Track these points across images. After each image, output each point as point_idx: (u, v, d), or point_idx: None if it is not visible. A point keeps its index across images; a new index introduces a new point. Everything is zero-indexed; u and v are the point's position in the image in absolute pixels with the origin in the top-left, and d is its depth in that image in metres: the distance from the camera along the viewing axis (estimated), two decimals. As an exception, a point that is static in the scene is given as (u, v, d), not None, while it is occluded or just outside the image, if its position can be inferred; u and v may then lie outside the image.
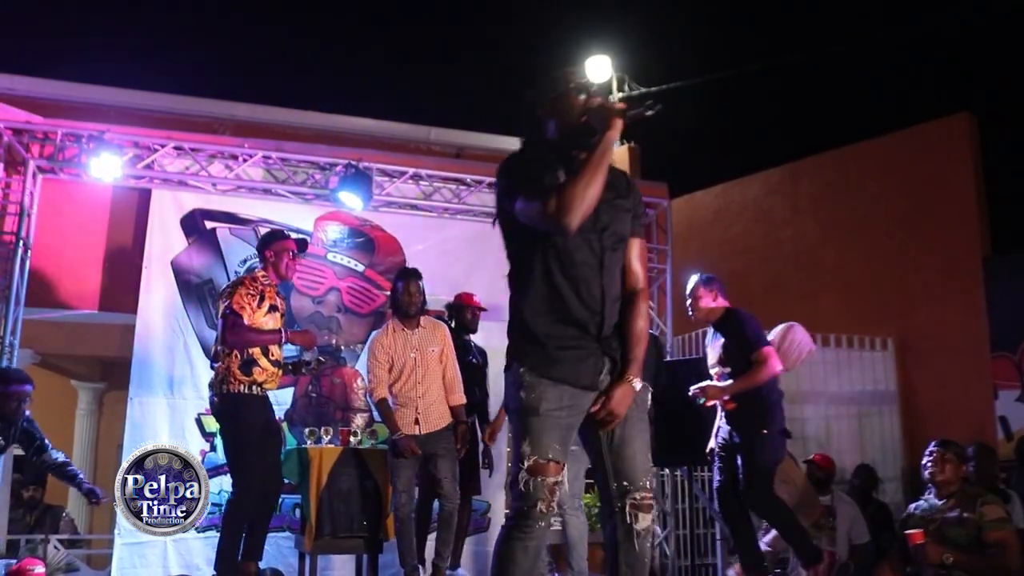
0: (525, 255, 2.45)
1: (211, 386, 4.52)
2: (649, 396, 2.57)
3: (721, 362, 4.59)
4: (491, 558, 2.49)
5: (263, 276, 4.58)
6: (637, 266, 2.56)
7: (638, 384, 2.46)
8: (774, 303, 8.02)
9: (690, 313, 4.78)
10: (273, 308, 4.55)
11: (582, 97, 2.47)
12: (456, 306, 5.41)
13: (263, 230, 6.08)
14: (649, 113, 2.39)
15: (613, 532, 2.44)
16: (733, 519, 4.70)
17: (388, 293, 6.31)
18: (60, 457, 4.81)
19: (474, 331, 5.46)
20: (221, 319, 4.42)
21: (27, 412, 4.69)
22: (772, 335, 4.85)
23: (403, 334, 4.82)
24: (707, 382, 4.58)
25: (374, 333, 5.02)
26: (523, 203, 2.36)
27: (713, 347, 4.69)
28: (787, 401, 6.71)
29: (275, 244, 4.67)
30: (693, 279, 4.77)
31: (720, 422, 4.69)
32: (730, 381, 4.49)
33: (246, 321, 4.38)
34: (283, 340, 4.51)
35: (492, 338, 4.92)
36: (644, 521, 2.42)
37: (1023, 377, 6.70)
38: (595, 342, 2.43)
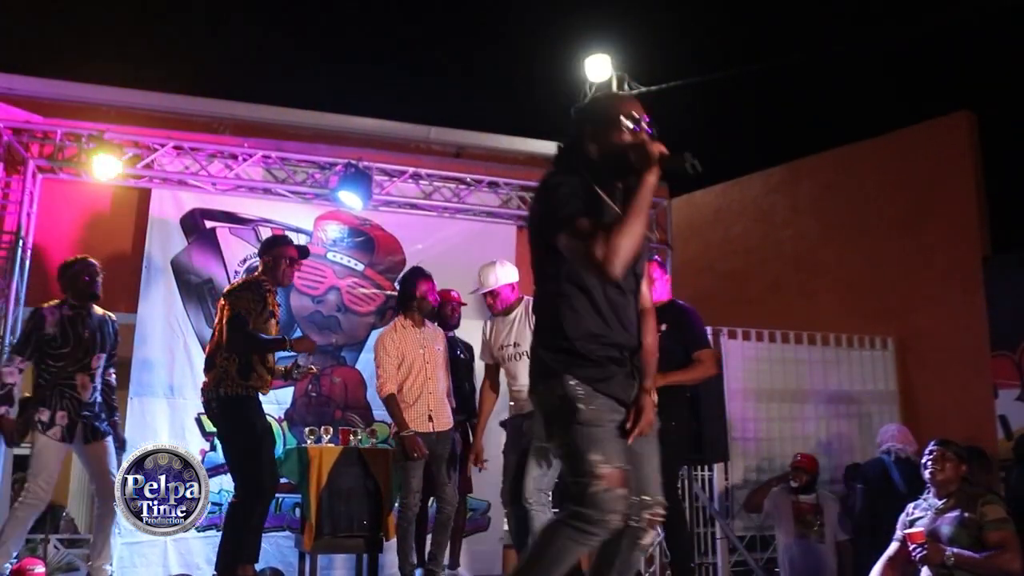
0: (567, 277, 2.51)
1: (205, 390, 4.52)
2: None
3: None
4: (533, 540, 2.53)
5: (264, 281, 4.59)
6: (646, 287, 2.71)
7: (655, 396, 2.60)
8: (774, 303, 8.04)
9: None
10: (271, 315, 4.60)
11: (629, 132, 2.50)
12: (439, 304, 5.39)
13: (263, 230, 6.10)
14: (689, 170, 2.42)
15: (616, 540, 2.48)
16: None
17: (388, 293, 6.33)
18: (113, 381, 4.88)
19: (456, 326, 5.45)
20: (227, 324, 4.42)
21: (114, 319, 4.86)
22: None
23: (412, 331, 4.85)
24: None
25: (381, 330, 5.04)
26: (568, 241, 2.41)
27: None
28: (787, 400, 6.78)
29: (274, 250, 4.69)
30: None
31: None
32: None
33: (249, 326, 4.41)
34: (286, 347, 4.52)
35: (477, 333, 4.92)
36: (649, 537, 2.55)
37: (1023, 377, 6.70)
38: (628, 362, 2.55)
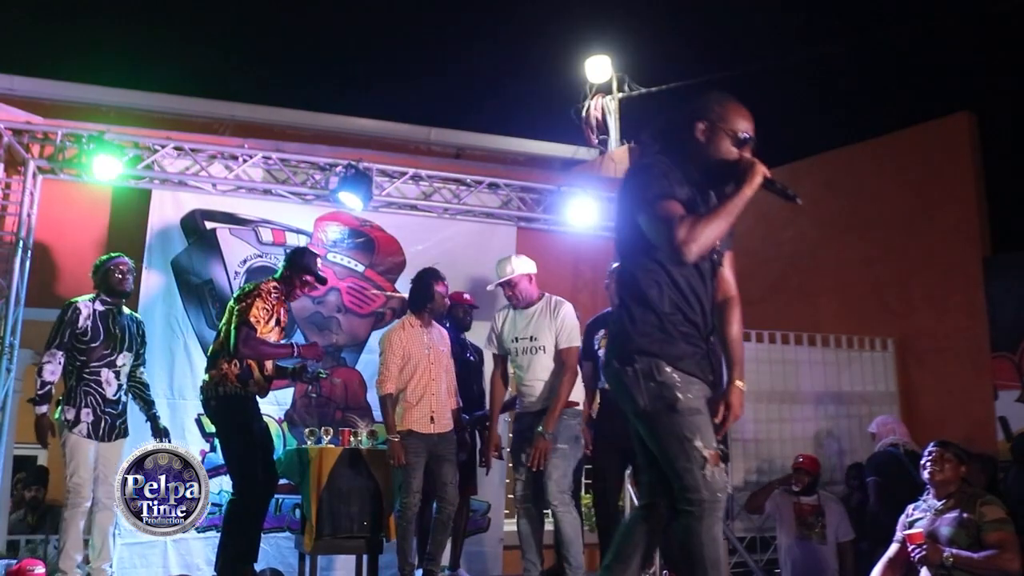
0: (651, 261, 2.59)
1: (204, 389, 4.57)
2: None
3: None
4: (683, 548, 2.57)
5: (276, 290, 4.64)
6: (730, 275, 2.79)
7: (744, 386, 2.67)
8: (774, 304, 8.03)
9: (611, 298, 4.77)
10: (277, 322, 4.65)
11: (738, 142, 2.60)
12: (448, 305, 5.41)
13: (263, 230, 6.10)
14: (789, 196, 2.59)
15: (668, 526, 2.63)
16: (606, 514, 4.79)
17: (388, 294, 6.33)
18: (145, 378, 4.94)
19: (468, 328, 5.48)
20: (235, 329, 4.46)
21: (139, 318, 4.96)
22: None
23: (419, 331, 4.85)
24: None
25: (386, 328, 5.04)
26: (650, 221, 2.51)
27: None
28: (787, 401, 6.78)
29: (298, 266, 4.73)
30: (614, 266, 4.87)
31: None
32: None
33: (258, 333, 4.47)
34: (295, 354, 4.58)
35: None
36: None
37: (1023, 377, 6.69)
38: (705, 343, 2.65)
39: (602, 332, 4.73)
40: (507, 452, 5.18)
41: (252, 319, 4.45)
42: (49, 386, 4.53)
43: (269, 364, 4.65)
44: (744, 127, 2.61)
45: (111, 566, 4.71)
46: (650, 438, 2.60)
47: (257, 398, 4.66)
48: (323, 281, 4.92)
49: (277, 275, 4.78)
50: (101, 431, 4.61)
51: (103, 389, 4.62)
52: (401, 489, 4.81)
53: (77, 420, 4.55)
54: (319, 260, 4.87)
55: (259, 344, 4.47)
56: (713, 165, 2.60)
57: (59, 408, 4.59)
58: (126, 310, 4.86)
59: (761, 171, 2.52)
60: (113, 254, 4.89)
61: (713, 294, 2.71)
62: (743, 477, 6.38)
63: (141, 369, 4.92)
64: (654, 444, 2.59)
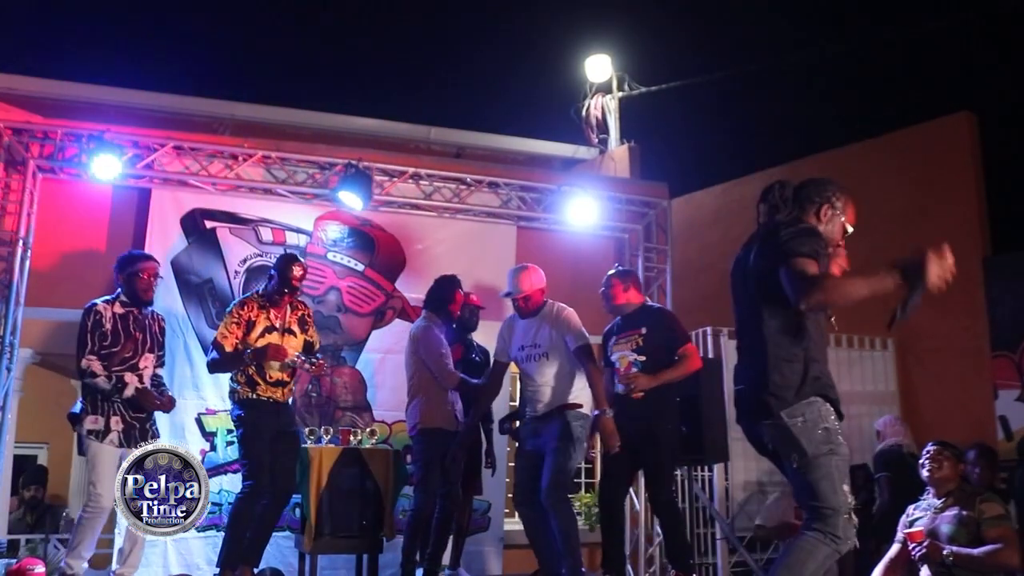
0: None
1: (229, 395, 4.75)
2: None
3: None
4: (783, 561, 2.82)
5: (241, 302, 4.72)
6: None
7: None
8: (774, 303, 8.01)
9: (618, 303, 4.78)
10: (270, 329, 4.69)
11: (850, 229, 3.00)
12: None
13: (263, 230, 6.10)
14: (898, 316, 2.67)
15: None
16: (613, 516, 4.75)
17: (389, 293, 6.34)
18: (162, 375, 4.91)
19: (474, 329, 5.49)
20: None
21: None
22: None
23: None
24: (635, 371, 4.50)
25: (415, 328, 5.08)
26: (795, 269, 2.70)
27: (623, 339, 4.68)
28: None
29: (280, 268, 4.76)
30: (610, 273, 4.90)
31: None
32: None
33: (227, 348, 4.60)
34: (250, 360, 4.58)
35: (493, 336, 4.96)
36: None
37: (1023, 377, 6.69)
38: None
39: (613, 339, 4.75)
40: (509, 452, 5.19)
41: (220, 338, 4.64)
42: (115, 376, 4.49)
43: (273, 371, 4.64)
44: (851, 223, 3.03)
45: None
46: (797, 471, 2.83)
47: (284, 403, 4.71)
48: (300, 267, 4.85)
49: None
50: (133, 438, 4.53)
51: (128, 395, 4.55)
52: (419, 488, 4.83)
53: (107, 430, 4.47)
54: (296, 264, 4.79)
55: (215, 366, 4.73)
56: (828, 241, 2.92)
57: (82, 418, 4.48)
58: (147, 308, 4.79)
59: (931, 279, 2.59)
60: (142, 253, 4.84)
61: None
62: (743, 476, 6.38)
63: (160, 369, 4.85)
64: (803, 478, 2.82)
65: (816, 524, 2.76)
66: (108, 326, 4.56)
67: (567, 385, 4.50)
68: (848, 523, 2.75)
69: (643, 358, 4.53)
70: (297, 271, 4.73)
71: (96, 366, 4.49)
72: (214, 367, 4.80)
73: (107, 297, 4.70)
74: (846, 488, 2.78)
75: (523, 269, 4.69)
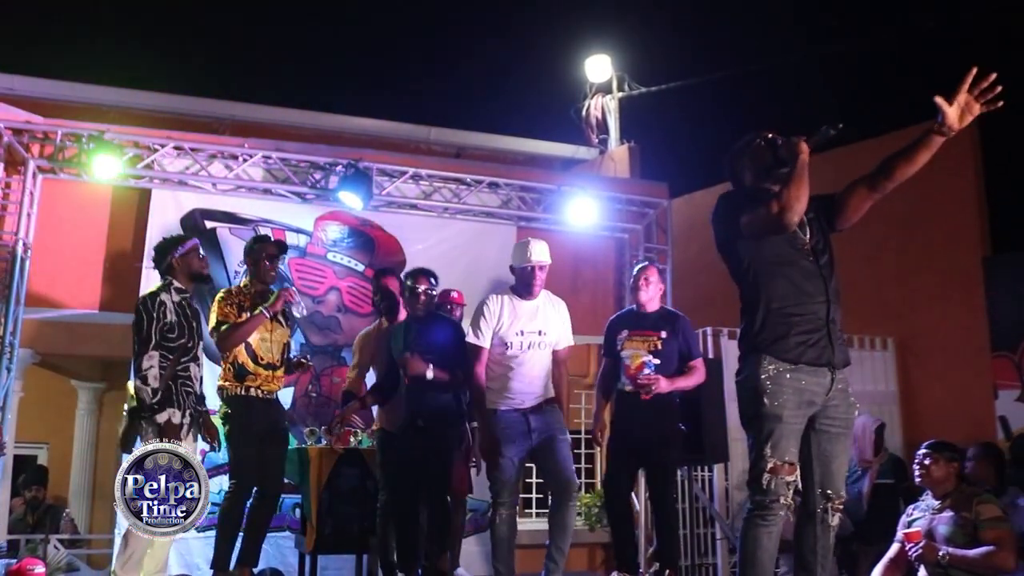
0: (757, 262, 3.14)
1: (217, 392, 4.62)
2: None
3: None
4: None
5: (244, 286, 4.64)
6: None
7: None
8: (774, 303, 8.01)
9: (643, 297, 4.72)
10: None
11: (768, 145, 3.15)
12: (438, 304, 5.39)
13: (263, 230, 6.10)
14: (832, 132, 3.05)
15: (809, 526, 3.06)
16: (625, 516, 4.74)
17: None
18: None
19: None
20: (214, 340, 4.51)
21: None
22: None
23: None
24: (648, 372, 4.43)
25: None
26: (748, 217, 2.96)
27: (639, 337, 4.63)
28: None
29: (252, 251, 4.67)
30: (645, 264, 4.91)
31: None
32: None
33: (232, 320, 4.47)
34: (269, 316, 4.48)
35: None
36: (835, 519, 3.08)
37: (1023, 377, 6.69)
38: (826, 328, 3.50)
39: (625, 332, 4.65)
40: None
41: (220, 316, 4.46)
42: (160, 392, 4.13)
43: (263, 352, 4.54)
44: (765, 136, 3.23)
45: None
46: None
47: (276, 397, 4.62)
48: (282, 247, 4.79)
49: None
50: (197, 433, 4.41)
51: (194, 386, 4.32)
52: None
53: (182, 424, 4.23)
54: (269, 245, 4.70)
55: (231, 331, 4.41)
56: (769, 168, 3.14)
57: (154, 413, 4.14)
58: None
59: (798, 141, 2.97)
60: (180, 236, 4.64)
61: None
62: (743, 477, 6.37)
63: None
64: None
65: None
66: (171, 318, 4.24)
67: (548, 378, 4.40)
68: (774, 480, 2.89)
69: (658, 362, 4.47)
70: (272, 249, 4.65)
71: (152, 373, 4.14)
72: (226, 336, 4.42)
73: (159, 286, 4.32)
74: (767, 451, 2.91)
75: (538, 241, 4.42)
